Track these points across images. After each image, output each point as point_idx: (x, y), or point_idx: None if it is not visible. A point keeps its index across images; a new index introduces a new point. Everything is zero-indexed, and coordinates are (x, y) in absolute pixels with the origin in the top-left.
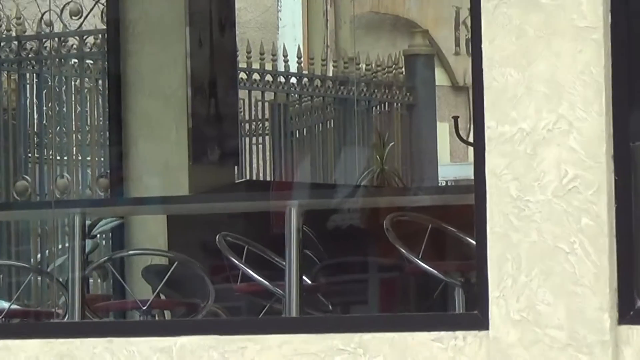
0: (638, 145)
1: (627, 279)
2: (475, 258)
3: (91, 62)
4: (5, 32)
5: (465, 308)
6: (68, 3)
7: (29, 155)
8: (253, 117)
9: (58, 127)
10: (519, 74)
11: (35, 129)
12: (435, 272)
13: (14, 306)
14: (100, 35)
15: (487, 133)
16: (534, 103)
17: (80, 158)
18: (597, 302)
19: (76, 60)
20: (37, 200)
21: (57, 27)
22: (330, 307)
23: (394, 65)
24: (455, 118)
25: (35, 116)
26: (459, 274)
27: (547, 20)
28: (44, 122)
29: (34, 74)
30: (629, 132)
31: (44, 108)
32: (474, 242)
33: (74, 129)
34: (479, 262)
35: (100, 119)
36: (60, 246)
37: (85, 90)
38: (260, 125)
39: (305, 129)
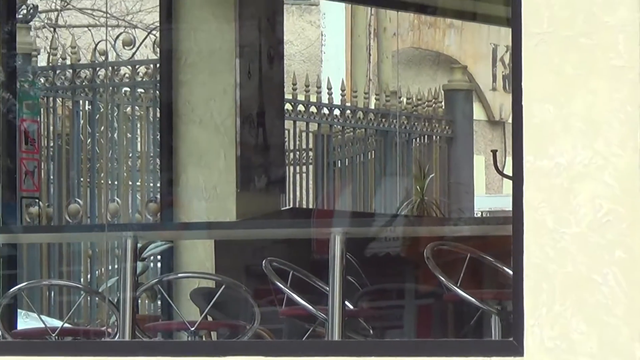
0: None
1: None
2: (512, 287)
3: (142, 90)
4: (60, 60)
5: (501, 335)
6: (121, 33)
7: (81, 179)
8: (297, 147)
9: (110, 153)
10: (557, 111)
11: (88, 154)
12: (472, 299)
13: (66, 325)
14: (152, 65)
15: (526, 167)
16: (571, 139)
17: (130, 183)
18: (628, 333)
19: (128, 89)
20: (89, 223)
21: (111, 57)
22: (371, 331)
23: (433, 100)
24: (494, 152)
25: (88, 142)
26: (496, 302)
27: (585, 59)
28: (96, 147)
29: (88, 101)
30: None
31: (97, 134)
32: (510, 272)
33: (124, 155)
34: (515, 291)
35: (150, 145)
36: (110, 267)
37: (136, 117)
38: (305, 154)
39: (347, 159)
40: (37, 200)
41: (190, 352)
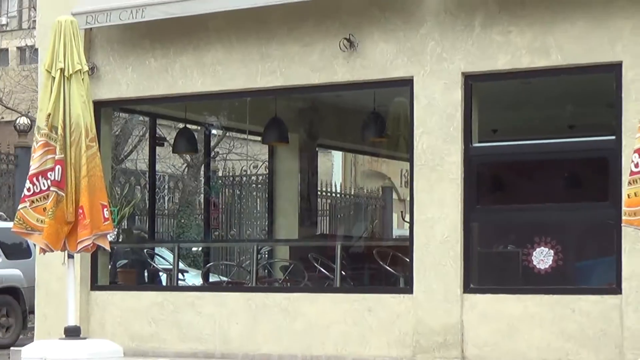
0: (474, 225)
1: (467, 274)
2: (409, 266)
3: (260, 186)
4: (227, 173)
5: (404, 285)
6: (253, 162)
7: (235, 221)
8: (322, 208)
9: (247, 211)
10: (428, 196)
11: (238, 211)
12: (392, 270)
13: (229, 279)
14: (265, 176)
15: (415, 218)
16: (432, 207)
17: (254, 223)
18: (454, 284)
19: (254, 185)
20: (238, 238)
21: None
22: (352, 283)
23: (377, 192)
24: (402, 212)
25: (238, 207)
26: (402, 272)
27: (438, 177)
28: (242, 209)
29: (239, 191)
30: (470, 221)
31: (243, 204)
32: (407, 259)
33: (252, 212)
34: (410, 267)
35: (265, 208)
36: (247, 256)
37: (258, 197)
38: (326, 212)
39: (342, 214)
40: (217, 230)
41: (279, 291)
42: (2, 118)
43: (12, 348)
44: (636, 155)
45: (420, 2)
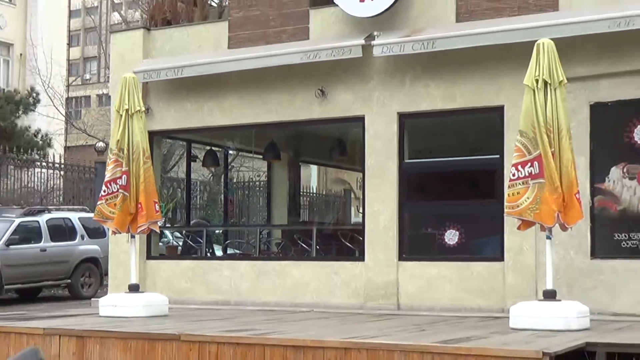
0: (406, 215)
1: (401, 248)
2: (362, 242)
3: (265, 188)
4: (239, 179)
5: (359, 255)
6: (256, 170)
7: (245, 211)
8: (303, 204)
9: (253, 205)
10: (375, 196)
11: (247, 206)
12: (351, 246)
13: (239, 252)
14: (265, 181)
15: (366, 211)
16: (378, 202)
17: (258, 214)
18: (392, 254)
19: (258, 187)
20: (247, 223)
21: (255, 178)
22: (323, 254)
23: (341, 192)
24: (357, 206)
25: (247, 202)
26: (357, 247)
27: (382, 181)
28: (248, 204)
29: (248, 191)
30: (403, 212)
31: (249, 201)
32: (361, 238)
33: (256, 206)
34: (363, 243)
35: (266, 203)
36: (252, 236)
37: (261, 193)
38: (306, 206)
39: (317, 208)
40: (232, 218)
41: (274, 260)
42: (87, 143)
43: (92, 299)
44: (513, 168)
45: (369, 66)
